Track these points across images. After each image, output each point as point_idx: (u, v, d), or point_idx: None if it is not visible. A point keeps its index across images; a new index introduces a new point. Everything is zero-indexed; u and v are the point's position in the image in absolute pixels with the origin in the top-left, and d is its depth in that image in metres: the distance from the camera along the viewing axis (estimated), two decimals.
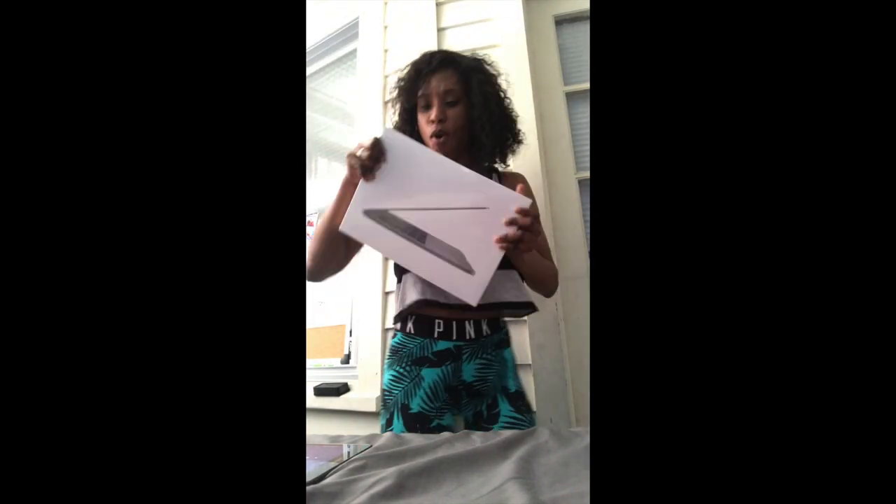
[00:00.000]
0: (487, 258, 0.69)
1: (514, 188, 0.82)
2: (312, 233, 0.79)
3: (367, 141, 0.70)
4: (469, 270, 0.70)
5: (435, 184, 0.71)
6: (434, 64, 0.84)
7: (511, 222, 0.66)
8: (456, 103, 0.83)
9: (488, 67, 0.88)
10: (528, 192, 0.70)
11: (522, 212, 0.66)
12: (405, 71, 0.89)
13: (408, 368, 0.81)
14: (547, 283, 0.87)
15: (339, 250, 0.79)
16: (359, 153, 0.70)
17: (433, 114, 0.82)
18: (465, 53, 0.91)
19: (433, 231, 0.71)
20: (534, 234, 0.67)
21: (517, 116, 0.91)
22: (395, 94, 0.91)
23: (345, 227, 0.74)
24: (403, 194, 0.72)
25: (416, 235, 0.71)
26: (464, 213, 0.70)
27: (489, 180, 0.69)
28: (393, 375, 0.82)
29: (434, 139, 0.83)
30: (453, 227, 0.71)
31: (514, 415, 0.80)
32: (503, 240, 0.66)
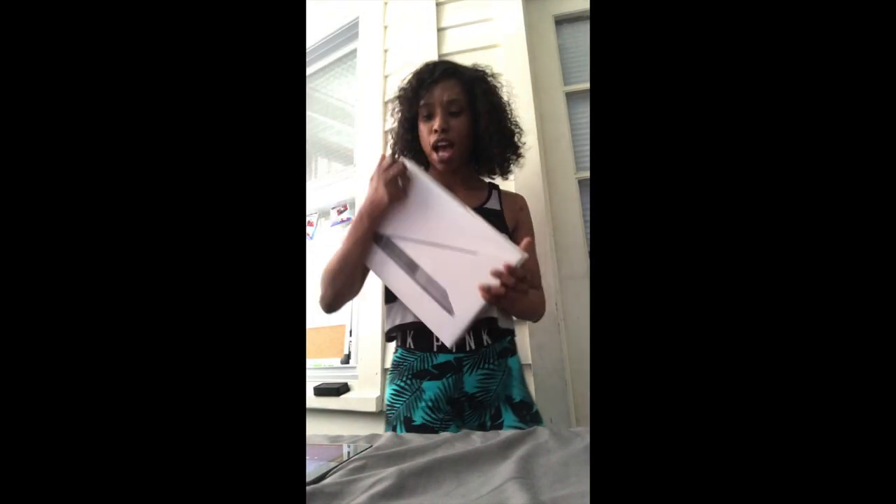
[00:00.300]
0: (468, 303, 0.67)
1: (513, 212, 0.82)
2: (329, 261, 0.80)
3: (396, 167, 0.71)
4: (449, 311, 0.69)
5: (437, 219, 0.72)
6: (437, 74, 0.83)
7: (496, 275, 0.63)
8: (459, 113, 0.82)
9: (491, 78, 0.87)
10: (531, 246, 0.68)
11: (509, 269, 0.63)
12: (407, 80, 0.88)
13: (409, 382, 0.80)
14: (533, 315, 0.88)
15: (358, 277, 0.80)
16: (400, 183, 0.71)
17: (436, 123, 0.80)
18: (466, 61, 0.91)
19: (424, 265, 0.71)
20: (519, 292, 0.64)
21: (521, 130, 0.91)
22: (395, 102, 0.90)
23: None
24: (406, 224, 0.73)
25: (409, 266, 0.72)
26: (455, 253, 0.69)
27: (489, 227, 0.68)
28: (394, 389, 0.81)
29: (437, 151, 0.82)
30: (443, 265, 0.70)
31: (517, 424, 0.77)
32: (486, 291, 0.64)
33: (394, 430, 0.78)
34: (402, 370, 0.81)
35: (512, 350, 0.84)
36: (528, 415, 0.79)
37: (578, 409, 1.03)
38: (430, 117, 0.82)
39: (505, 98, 0.88)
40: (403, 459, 0.45)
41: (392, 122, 0.92)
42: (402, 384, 0.80)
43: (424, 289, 0.70)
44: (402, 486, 0.38)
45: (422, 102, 0.83)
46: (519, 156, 0.91)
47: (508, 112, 0.88)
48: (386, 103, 1.41)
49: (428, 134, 0.82)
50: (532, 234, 0.86)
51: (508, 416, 0.78)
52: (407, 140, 0.88)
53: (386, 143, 1.38)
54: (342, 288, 0.78)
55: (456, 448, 0.49)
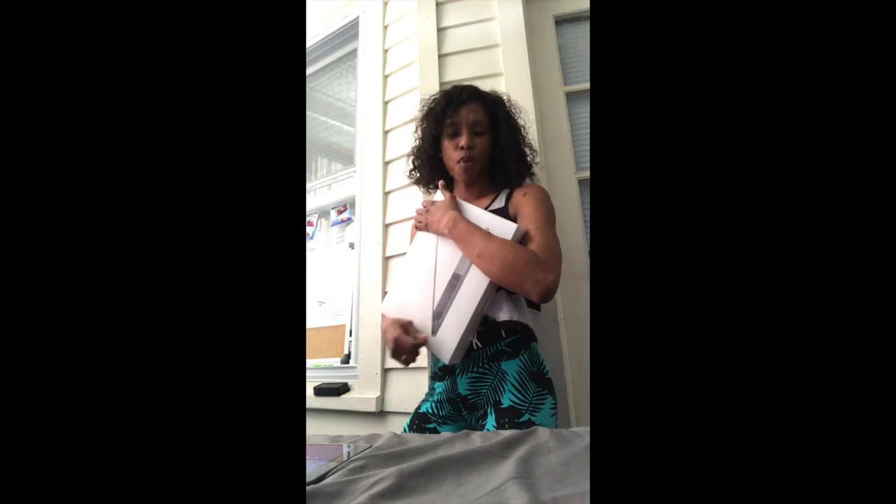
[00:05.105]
0: (457, 321, 0.79)
1: (516, 202, 0.91)
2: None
3: (405, 352, 0.82)
4: (433, 331, 0.81)
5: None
6: (464, 96, 0.93)
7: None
8: (482, 133, 0.92)
9: (509, 104, 0.97)
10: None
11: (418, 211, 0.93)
12: (434, 100, 0.98)
13: (430, 381, 0.94)
14: (504, 268, 0.76)
15: None
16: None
17: (463, 141, 0.90)
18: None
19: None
20: (423, 217, 0.89)
21: (535, 152, 1.00)
22: (422, 120, 0.99)
23: None
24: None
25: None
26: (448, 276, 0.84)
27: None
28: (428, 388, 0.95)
29: (461, 164, 0.91)
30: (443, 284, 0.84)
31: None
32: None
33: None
34: (431, 371, 0.96)
35: (509, 353, 0.82)
36: (510, 423, 0.75)
37: (578, 409, 1.03)
38: (455, 135, 0.92)
39: (521, 122, 0.98)
40: (403, 459, 0.45)
41: (416, 139, 1.02)
42: (429, 383, 0.94)
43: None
44: (402, 486, 0.38)
45: (448, 121, 0.93)
46: (532, 173, 1.01)
47: (524, 134, 0.98)
48: (386, 103, 1.41)
49: (454, 150, 0.93)
50: (530, 212, 0.86)
51: (490, 420, 0.79)
52: (430, 155, 0.98)
53: (386, 145, 1.38)
54: None
55: (456, 448, 0.49)
